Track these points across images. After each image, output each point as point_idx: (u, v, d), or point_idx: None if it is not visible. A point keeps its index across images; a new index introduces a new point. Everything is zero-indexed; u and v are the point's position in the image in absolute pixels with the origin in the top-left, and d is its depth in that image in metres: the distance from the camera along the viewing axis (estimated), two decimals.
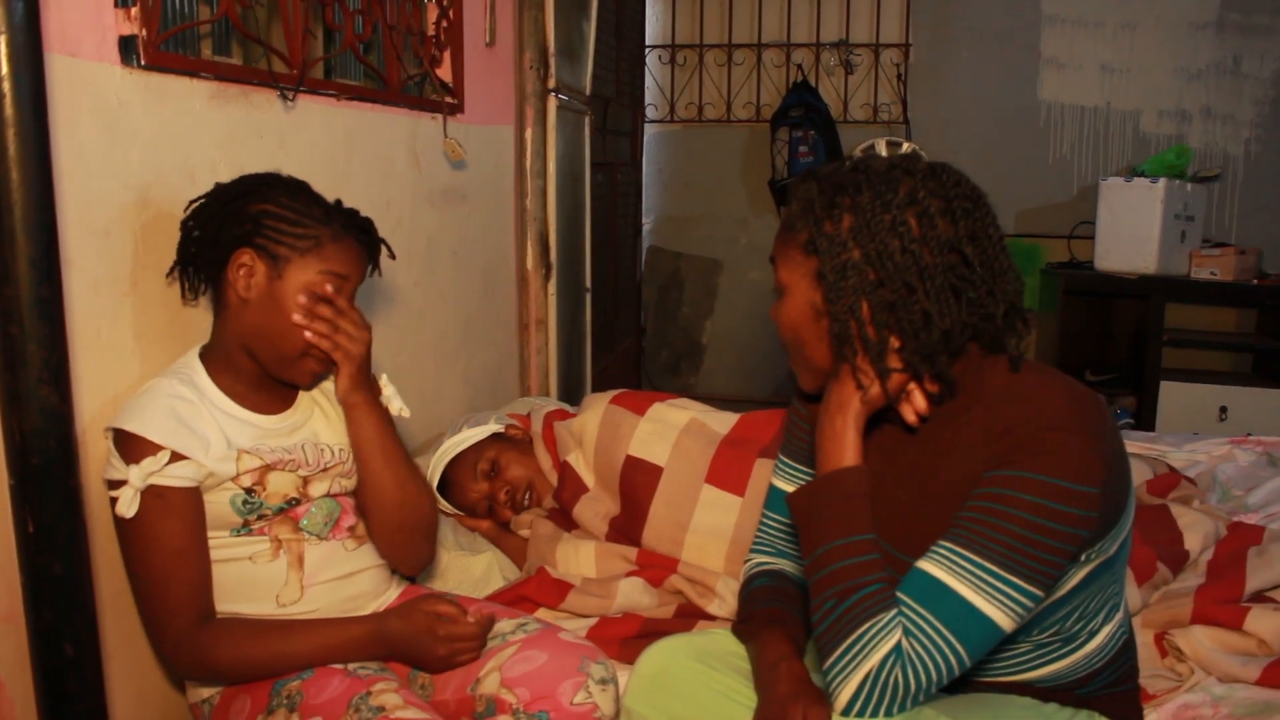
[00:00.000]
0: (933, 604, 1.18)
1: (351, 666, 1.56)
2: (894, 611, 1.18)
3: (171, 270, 1.63)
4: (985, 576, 1.17)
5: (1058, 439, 1.18)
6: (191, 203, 1.60)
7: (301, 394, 1.70)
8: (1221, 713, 1.57)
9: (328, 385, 1.73)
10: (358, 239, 1.62)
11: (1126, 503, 1.28)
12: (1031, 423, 1.21)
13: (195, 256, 1.60)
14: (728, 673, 1.36)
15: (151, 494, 1.46)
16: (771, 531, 1.56)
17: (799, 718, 1.19)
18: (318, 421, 1.70)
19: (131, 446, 1.46)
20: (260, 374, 1.61)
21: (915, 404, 1.30)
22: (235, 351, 1.59)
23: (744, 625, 1.44)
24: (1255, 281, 4.33)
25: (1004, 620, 1.17)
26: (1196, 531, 2.07)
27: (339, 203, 1.64)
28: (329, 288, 1.56)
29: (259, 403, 1.62)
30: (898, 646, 1.16)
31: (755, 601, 1.46)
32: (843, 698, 1.18)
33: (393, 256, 1.72)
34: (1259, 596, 1.86)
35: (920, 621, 1.17)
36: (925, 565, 1.20)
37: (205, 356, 1.61)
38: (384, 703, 1.46)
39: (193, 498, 1.51)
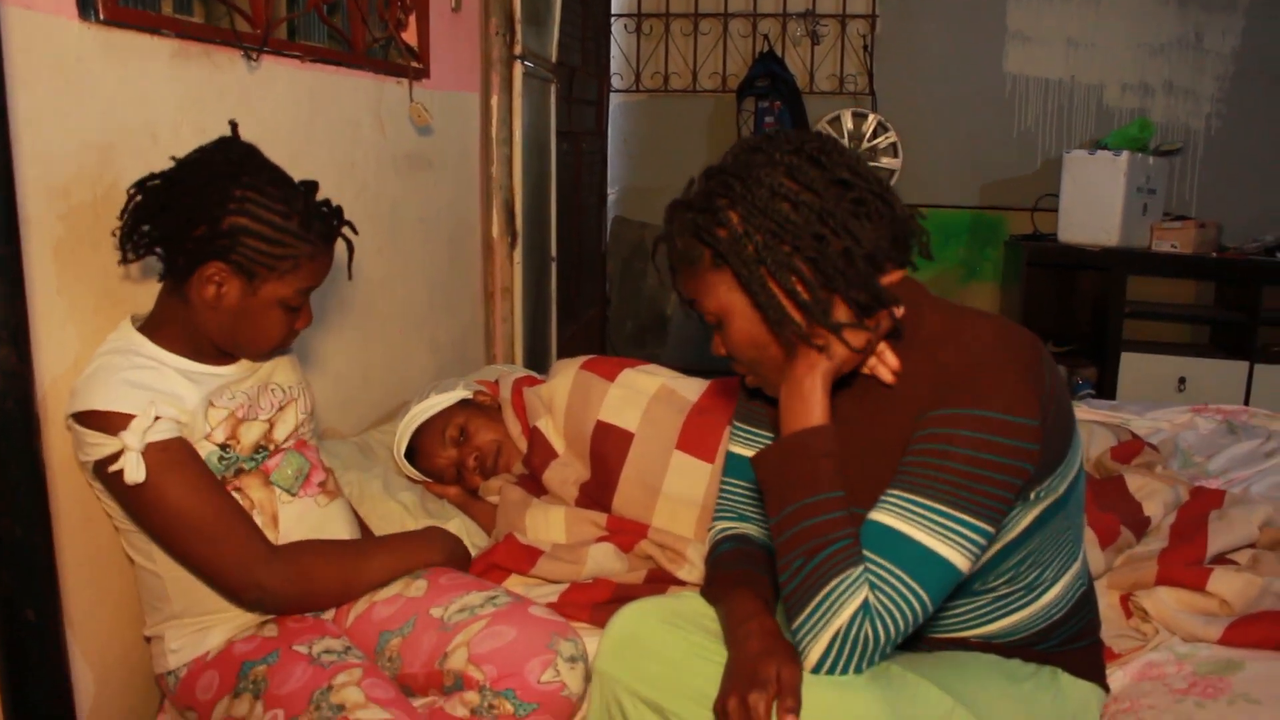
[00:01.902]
0: (890, 552, 1.19)
1: (315, 651, 1.55)
2: (861, 567, 1.18)
3: (126, 239, 1.49)
4: (936, 518, 1.18)
5: (988, 373, 1.21)
6: (150, 178, 1.50)
7: None
8: (1185, 670, 1.59)
9: None
10: (331, 242, 1.58)
11: (1071, 440, 1.30)
12: (963, 361, 1.23)
13: (152, 234, 1.49)
14: (698, 633, 1.36)
15: (154, 450, 1.44)
16: (733, 497, 1.55)
17: (772, 674, 1.19)
18: (269, 362, 1.69)
19: (109, 422, 1.43)
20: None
21: (888, 362, 1.31)
22: (190, 328, 1.54)
23: (712, 588, 1.43)
24: (1214, 254, 4.39)
25: (960, 560, 1.19)
26: (1156, 500, 2.09)
27: (310, 192, 1.55)
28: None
29: (216, 358, 1.59)
30: (865, 602, 1.17)
31: (722, 565, 1.46)
32: (813, 656, 1.19)
33: (351, 251, 1.66)
34: (1220, 558, 1.89)
35: (881, 572, 1.18)
36: (877, 515, 1.22)
37: (148, 329, 1.55)
38: (344, 699, 1.45)
39: (190, 446, 1.50)
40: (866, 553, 1.20)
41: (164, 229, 1.47)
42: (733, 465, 1.56)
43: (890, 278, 1.30)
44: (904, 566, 1.18)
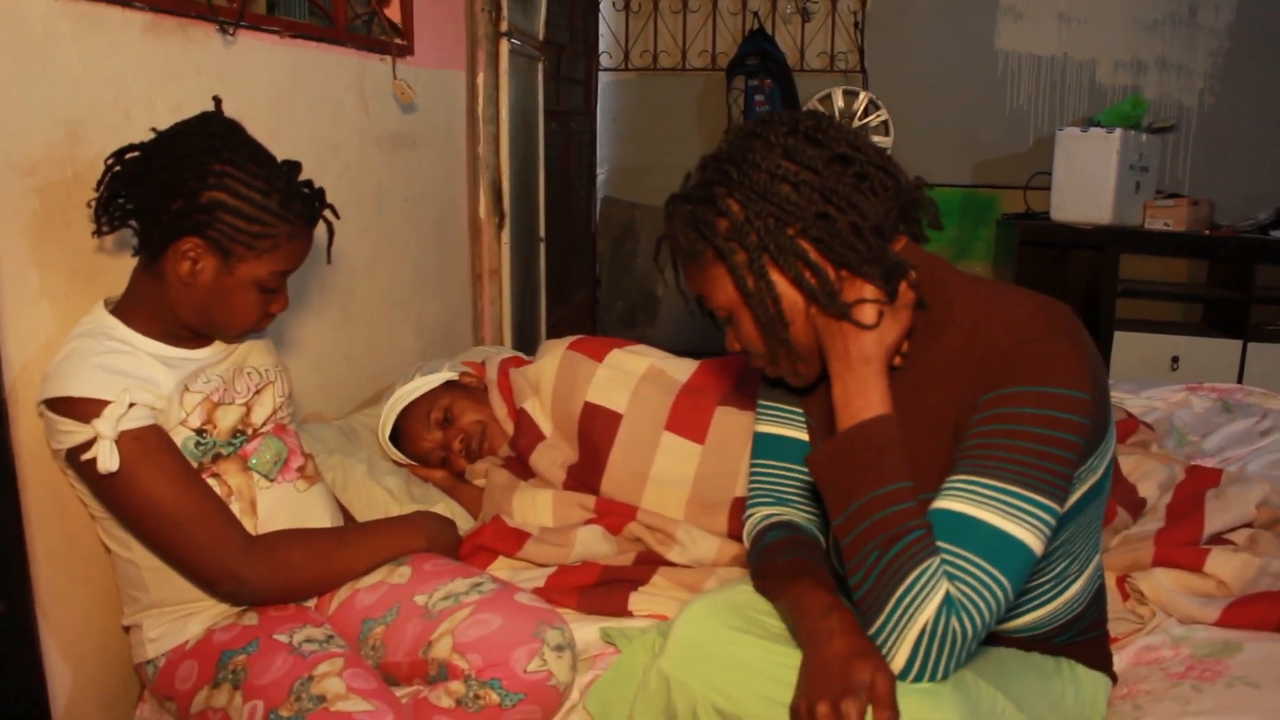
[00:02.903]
0: (964, 540, 1.12)
1: (296, 640, 1.51)
2: (939, 558, 1.12)
3: (101, 211, 1.46)
4: (1007, 499, 1.12)
5: (1043, 348, 1.17)
6: (129, 149, 1.47)
7: None
8: (1182, 653, 1.57)
9: None
10: (312, 224, 1.54)
11: (1108, 418, 1.26)
12: (1012, 338, 1.19)
13: (127, 206, 1.46)
14: (768, 638, 1.28)
15: (127, 439, 1.40)
16: (768, 479, 1.47)
17: (866, 679, 1.09)
18: (244, 346, 1.65)
19: (82, 409, 1.39)
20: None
21: None
22: (164, 309, 1.50)
23: (768, 581, 1.34)
24: (1207, 232, 4.35)
25: (1034, 541, 1.13)
26: (1151, 480, 2.08)
27: (293, 172, 1.52)
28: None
29: (191, 341, 1.56)
30: (948, 595, 1.10)
31: (774, 555, 1.36)
32: (900, 658, 1.11)
33: (331, 235, 1.63)
34: (1218, 539, 1.87)
35: (958, 561, 1.11)
36: (945, 504, 1.15)
37: (121, 312, 1.51)
38: (325, 690, 1.42)
39: (165, 434, 1.46)
40: (939, 543, 1.13)
41: (140, 201, 1.44)
42: (764, 445, 1.48)
43: (897, 245, 1.25)
44: (981, 553, 1.11)
